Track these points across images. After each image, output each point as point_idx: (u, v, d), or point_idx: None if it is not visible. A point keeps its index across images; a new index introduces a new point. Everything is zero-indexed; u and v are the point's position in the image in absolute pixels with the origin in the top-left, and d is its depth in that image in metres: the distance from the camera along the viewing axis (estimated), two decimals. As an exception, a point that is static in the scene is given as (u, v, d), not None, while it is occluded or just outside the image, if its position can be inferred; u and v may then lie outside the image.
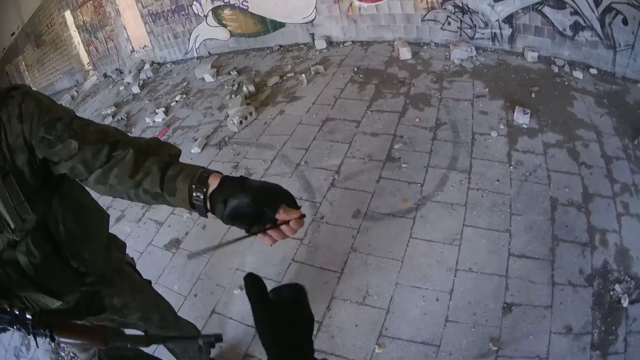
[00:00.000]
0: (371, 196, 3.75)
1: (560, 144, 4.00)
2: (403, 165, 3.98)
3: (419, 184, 3.76)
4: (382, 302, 2.98)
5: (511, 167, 3.80)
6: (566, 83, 4.84)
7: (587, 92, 4.67)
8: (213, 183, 1.06)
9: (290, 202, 1.05)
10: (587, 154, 3.88)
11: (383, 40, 6.29)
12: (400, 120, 4.59)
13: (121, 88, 8.08)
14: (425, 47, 5.97)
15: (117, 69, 9.15)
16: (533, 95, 4.67)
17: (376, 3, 6.06)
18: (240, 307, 3.12)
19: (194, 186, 1.07)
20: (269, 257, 3.36)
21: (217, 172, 1.10)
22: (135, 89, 7.55)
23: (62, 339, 1.15)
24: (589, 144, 3.98)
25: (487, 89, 4.87)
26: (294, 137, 4.68)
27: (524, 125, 4.23)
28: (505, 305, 2.86)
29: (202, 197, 1.06)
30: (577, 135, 4.07)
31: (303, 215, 1.05)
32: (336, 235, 3.48)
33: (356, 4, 6.18)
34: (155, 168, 1.13)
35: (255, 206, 1.01)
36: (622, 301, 2.83)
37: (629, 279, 2.96)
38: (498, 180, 3.69)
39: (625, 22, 4.49)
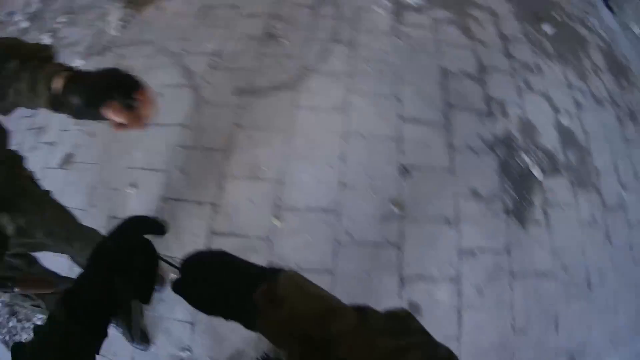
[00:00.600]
0: (253, 73, 3.51)
1: (451, 20, 3.90)
2: (284, 42, 3.74)
3: (302, 58, 3.56)
4: (273, 174, 2.88)
5: (399, 40, 3.65)
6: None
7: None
8: (58, 84, 1.02)
9: (129, 88, 1.01)
10: (481, 32, 3.82)
11: None
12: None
13: (11, 28, 7.16)
14: None
15: (8, 13, 8.13)
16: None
17: None
18: (135, 206, 2.95)
19: (49, 89, 1.03)
20: (154, 147, 3.14)
21: (67, 69, 1.05)
22: (25, 24, 6.70)
23: (21, 291, 1.31)
24: (483, 23, 3.92)
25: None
26: (173, 29, 4.30)
27: (413, 4, 4.03)
28: (402, 167, 2.83)
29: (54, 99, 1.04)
30: (471, 15, 3.99)
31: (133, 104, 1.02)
32: (219, 115, 3.27)
33: None
34: (27, 74, 1.07)
35: (92, 105, 0.99)
36: (534, 171, 2.89)
37: (536, 149, 3.01)
38: (384, 51, 3.54)
39: None
